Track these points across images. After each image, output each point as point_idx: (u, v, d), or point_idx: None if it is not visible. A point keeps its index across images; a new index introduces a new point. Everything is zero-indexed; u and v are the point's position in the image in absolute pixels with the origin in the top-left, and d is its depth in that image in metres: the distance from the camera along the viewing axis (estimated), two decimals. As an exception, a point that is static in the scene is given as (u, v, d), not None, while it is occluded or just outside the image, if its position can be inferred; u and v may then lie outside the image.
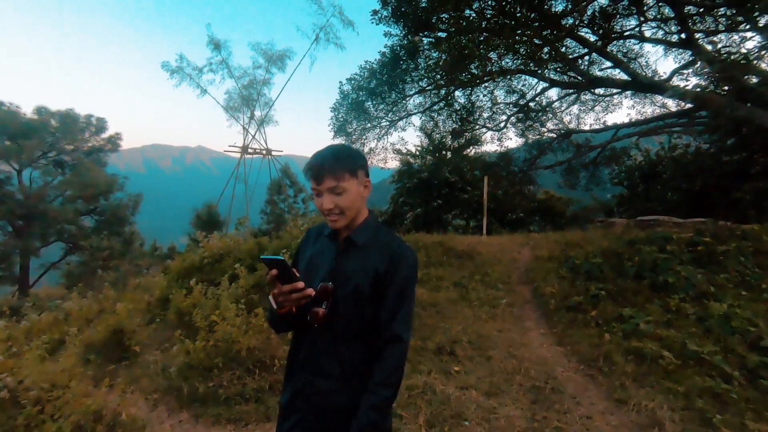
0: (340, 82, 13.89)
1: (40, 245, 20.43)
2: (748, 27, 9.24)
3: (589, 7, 10.04)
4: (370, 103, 13.84)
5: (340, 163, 1.24)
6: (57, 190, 21.29)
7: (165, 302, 5.98)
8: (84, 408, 2.89)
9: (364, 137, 14.82)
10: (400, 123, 14.72)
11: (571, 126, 14.57)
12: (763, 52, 9.29)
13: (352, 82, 13.56)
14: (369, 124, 14.52)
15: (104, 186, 21.92)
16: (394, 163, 16.24)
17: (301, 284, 1.12)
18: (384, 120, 14.52)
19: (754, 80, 9.14)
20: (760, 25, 8.75)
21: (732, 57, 8.37)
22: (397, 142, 16.40)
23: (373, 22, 11.69)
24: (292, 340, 1.40)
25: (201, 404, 3.47)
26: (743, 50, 9.20)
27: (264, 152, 30.59)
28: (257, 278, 5.85)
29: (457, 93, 13.51)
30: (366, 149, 15.07)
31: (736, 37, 9.95)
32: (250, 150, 30.07)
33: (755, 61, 9.20)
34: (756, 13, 8.40)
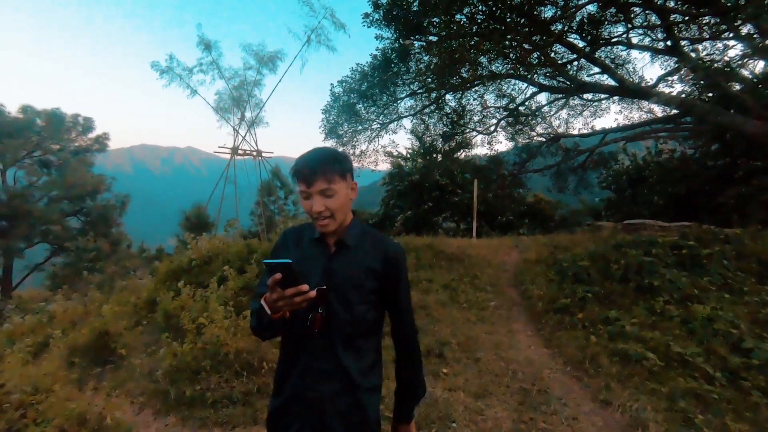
0: (332, 84, 13.93)
1: (24, 246, 20.05)
2: (731, 36, 9.46)
3: (577, 13, 10.20)
4: (361, 105, 13.89)
5: (330, 165, 1.23)
6: (42, 190, 20.93)
7: (152, 305, 5.91)
8: (68, 412, 2.85)
9: (355, 139, 14.86)
10: (391, 126, 14.80)
11: (560, 130, 14.74)
12: (745, 60, 9.50)
13: (344, 84, 13.59)
14: (360, 127, 14.56)
15: (91, 186, 21.61)
16: (385, 166, 16.30)
17: (306, 287, 1.08)
18: (375, 122, 14.58)
19: (737, 87, 9.36)
20: (742, 33, 8.97)
21: (715, 65, 8.55)
22: (388, 145, 16.51)
23: (364, 25, 11.74)
24: (284, 346, 1.36)
25: (188, 407, 3.43)
26: (726, 58, 9.41)
27: (254, 154, 30.40)
28: (246, 280, 5.82)
29: (447, 96, 13.63)
30: (357, 151, 15.10)
31: (719, 45, 10.17)
32: (240, 151, 29.83)
33: (737, 69, 9.41)
34: (738, 23, 8.61)
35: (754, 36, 8.84)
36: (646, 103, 12.62)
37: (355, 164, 15.33)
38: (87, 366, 4.54)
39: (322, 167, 1.22)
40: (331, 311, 1.25)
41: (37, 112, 21.30)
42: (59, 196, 20.76)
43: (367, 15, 11.48)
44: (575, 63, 12.00)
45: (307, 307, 1.17)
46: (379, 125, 14.69)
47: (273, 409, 1.33)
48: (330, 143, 14.79)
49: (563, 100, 14.06)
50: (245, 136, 29.96)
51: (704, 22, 9.88)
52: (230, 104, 28.91)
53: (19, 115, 20.63)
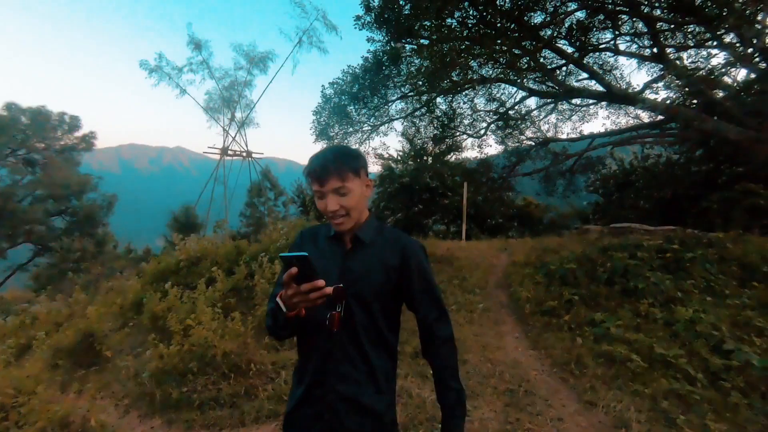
0: (323, 86, 13.93)
1: (7, 246, 19.66)
2: (715, 44, 9.68)
3: (566, 19, 10.36)
4: (352, 107, 13.91)
5: (343, 162, 1.22)
6: (26, 189, 20.56)
7: (139, 306, 5.84)
8: (50, 414, 2.81)
9: (346, 141, 14.86)
10: (382, 128, 14.87)
11: (549, 134, 14.93)
12: (728, 68, 9.73)
13: (335, 86, 13.60)
14: (351, 129, 14.59)
15: (76, 186, 21.29)
16: (375, 168, 16.31)
17: (322, 282, 1.04)
18: (366, 125, 14.62)
19: (721, 94, 9.57)
20: (726, 42, 9.18)
21: (699, 72, 8.74)
22: (379, 147, 16.53)
23: (356, 28, 11.78)
24: (301, 346, 1.33)
25: (174, 410, 3.41)
26: (710, 66, 9.62)
27: (244, 154, 30.27)
28: (235, 282, 5.78)
29: (438, 99, 13.73)
30: (347, 153, 15.10)
31: (704, 52, 10.39)
32: (230, 152, 29.71)
33: (721, 77, 9.63)
34: (721, 31, 8.81)
35: (737, 45, 9.07)
36: (633, 108, 12.84)
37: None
38: (71, 368, 4.48)
39: (335, 165, 1.21)
40: (349, 310, 1.22)
41: (21, 110, 20.94)
42: (44, 195, 20.42)
43: (358, 17, 11.51)
44: (564, 68, 12.19)
45: (325, 305, 1.14)
46: (370, 127, 14.73)
47: (290, 410, 1.30)
48: (321, 145, 14.79)
49: (552, 105, 14.25)
50: (235, 136, 29.84)
51: (689, 30, 10.09)
52: (220, 104, 28.80)
53: (3, 113, 20.27)
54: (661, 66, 10.46)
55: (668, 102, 9.48)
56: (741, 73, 10.26)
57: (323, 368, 1.24)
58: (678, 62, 9.70)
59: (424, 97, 13.16)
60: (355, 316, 1.23)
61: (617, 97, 11.26)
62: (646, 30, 10.27)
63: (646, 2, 9.47)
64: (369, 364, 1.25)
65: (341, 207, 1.22)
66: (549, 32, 10.48)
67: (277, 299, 1.14)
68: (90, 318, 4.92)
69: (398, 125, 15.46)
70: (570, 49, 11.16)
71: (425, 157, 15.50)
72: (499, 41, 9.86)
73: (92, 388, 3.82)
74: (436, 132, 14.56)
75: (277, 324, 1.21)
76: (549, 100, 13.70)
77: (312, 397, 1.25)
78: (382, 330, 1.28)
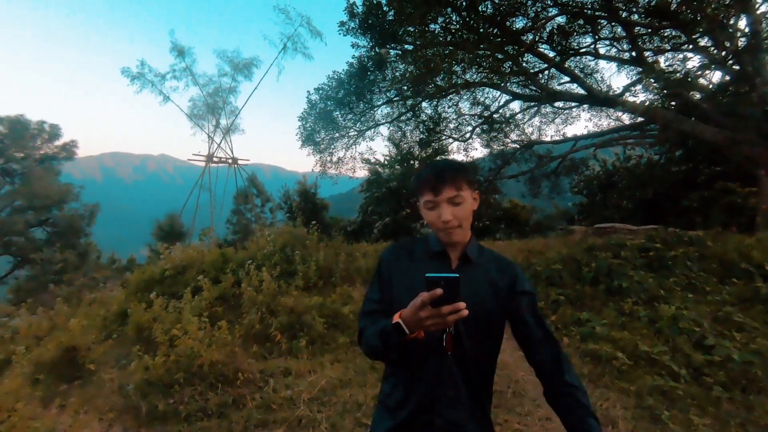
0: (308, 91, 13.94)
1: (-15, 259, 19.15)
2: (690, 47, 9.95)
3: (547, 24, 10.56)
4: (338, 112, 13.95)
5: (459, 172, 1.20)
6: (5, 200, 20.02)
7: (123, 317, 5.73)
8: (32, 431, 2.74)
9: (332, 147, 14.89)
10: (368, 133, 14.94)
11: (533, 137, 15.15)
12: (703, 71, 10.01)
13: (320, 92, 13.62)
14: (337, 134, 14.62)
15: (57, 196, 20.81)
16: (362, 173, 16.34)
17: (463, 304, 0.98)
18: (352, 130, 14.67)
19: (698, 96, 9.84)
20: (701, 45, 9.45)
21: (676, 74, 8.97)
22: (366, 152, 16.55)
23: (340, 33, 11.83)
24: (400, 371, 1.26)
25: (161, 422, 3.34)
26: (686, 68, 9.89)
27: (230, 161, 30.02)
28: (221, 290, 5.72)
29: (423, 104, 13.85)
30: (334, 158, 15.14)
31: (680, 56, 10.69)
32: (215, 159, 29.44)
33: (697, 79, 9.89)
34: (696, 35, 9.07)
35: (711, 48, 9.34)
36: (614, 110, 13.11)
37: (332, 171, 15.38)
38: (53, 383, 4.36)
39: (450, 174, 1.18)
40: (457, 331, 1.17)
41: (-1, 119, 20.47)
42: (23, 205, 19.91)
43: (343, 23, 11.58)
44: (546, 72, 12.39)
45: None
46: (356, 132, 14.78)
47: None
48: (307, 150, 14.77)
49: (535, 108, 14.48)
50: (220, 143, 29.58)
51: (666, 34, 10.37)
52: (205, 111, 28.55)
53: (-20, 123, 19.78)
54: (640, 69, 10.72)
55: (647, 104, 9.70)
56: (716, 76, 10.57)
57: (433, 392, 1.19)
58: (655, 65, 9.94)
59: (410, 102, 13.26)
60: (464, 338, 1.18)
61: (598, 99, 11.49)
62: (624, 34, 10.52)
63: (624, 7, 9.71)
64: (478, 387, 1.22)
65: (455, 218, 1.19)
66: (531, 37, 10.66)
67: (399, 320, 1.06)
68: (72, 331, 4.80)
69: (384, 130, 15.52)
70: (551, 53, 11.37)
71: (412, 161, 15.57)
72: (482, 46, 10.00)
73: (75, 403, 3.72)
74: (422, 136, 14.66)
75: (388, 346, 1.12)
76: (532, 104, 13.92)
77: (417, 422, 1.20)
78: (487, 353, 1.25)
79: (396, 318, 1.06)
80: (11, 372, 4.37)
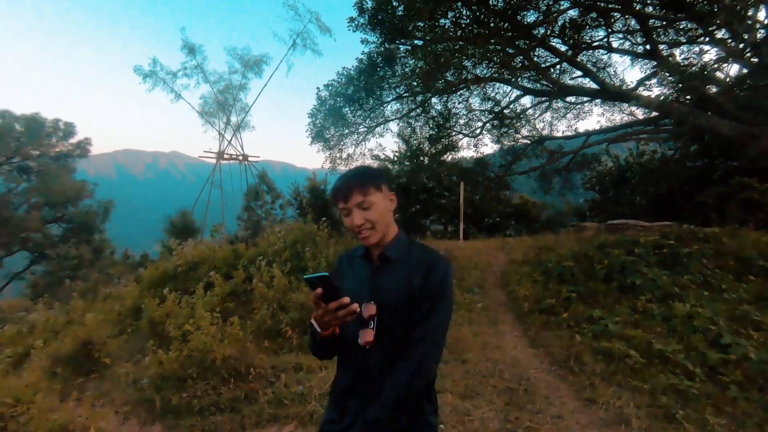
0: (318, 88, 13.92)
1: (3, 254, 19.53)
2: (707, 40, 9.73)
3: (559, 18, 10.39)
4: (347, 109, 13.91)
5: (364, 178, 1.28)
6: (21, 197, 20.45)
7: (137, 312, 5.83)
8: (50, 423, 2.80)
9: (342, 143, 14.87)
10: (378, 129, 14.86)
11: (545, 132, 14.95)
12: (720, 64, 9.78)
13: (330, 88, 13.60)
14: (347, 130, 14.59)
15: (72, 193, 21.17)
16: (372, 169, 16.30)
17: (347, 299, 1.09)
18: (362, 126, 14.61)
19: (714, 90, 9.62)
20: (717, 38, 9.23)
21: (692, 68, 8.78)
22: (375, 148, 16.49)
23: (350, 29, 11.79)
24: (339, 365, 1.37)
25: (174, 416, 3.40)
26: (702, 61, 9.67)
27: (240, 158, 30.22)
28: (233, 286, 5.78)
29: (433, 100, 13.73)
30: (344, 155, 15.11)
31: (696, 49, 10.45)
32: (226, 156, 29.65)
33: (713, 72, 9.68)
34: (713, 27, 8.86)
35: (729, 40, 9.12)
36: (627, 105, 12.89)
37: (341, 168, 15.36)
38: (70, 376, 4.46)
39: (356, 181, 1.27)
40: (382, 327, 1.23)
41: (15, 117, 20.82)
42: (39, 202, 20.29)
43: (352, 19, 11.52)
44: (558, 66, 12.22)
45: (357, 323, 1.20)
46: (365, 129, 14.73)
47: (323, 426, 1.34)
48: (316, 147, 14.79)
49: (547, 103, 14.28)
50: (231, 140, 29.78)
51: (681, 26, 10.14)
52: (215, 108, 28.75)
53: (-3, 121, 20.16)
54: (654, 63, 10.51)
55: (662, 98, 9.50)
56: (733, 69, 10.32)
57: (357, 386, 1.27)
58: (671, 59, 9.73)
59: (419, 98, 13.17)
60: (387, 333, 1.23)
61: (611, 94, 11.30)
62: (638, 27, 10.32)
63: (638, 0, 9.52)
64: None
65: (366, 221, 1.26)
66: (542, 31, 10.51)
67: (312, 320, 1.22)
68: (88, 325, 4.90)
69: (394, 126, 15.47)
70: (563, 48, 11.20)
71: (421, 158, 15.50)
72: (492, 41, 9.89)
73: (91, 396, 3.81)
74: (431, 132, 14.57)
75: (316, 344, 1.29)
76: (543, 99, 13.74)
77: (345, 414, 1.28)
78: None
79: (312, 319, 1.22)
80: (30, 365, 4.48)
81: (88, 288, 12.81)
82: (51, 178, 20.42)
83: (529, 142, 14.58)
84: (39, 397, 2.99)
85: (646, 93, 10.53)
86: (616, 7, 9.80)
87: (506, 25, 10.01)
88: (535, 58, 11.44)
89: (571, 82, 12.50)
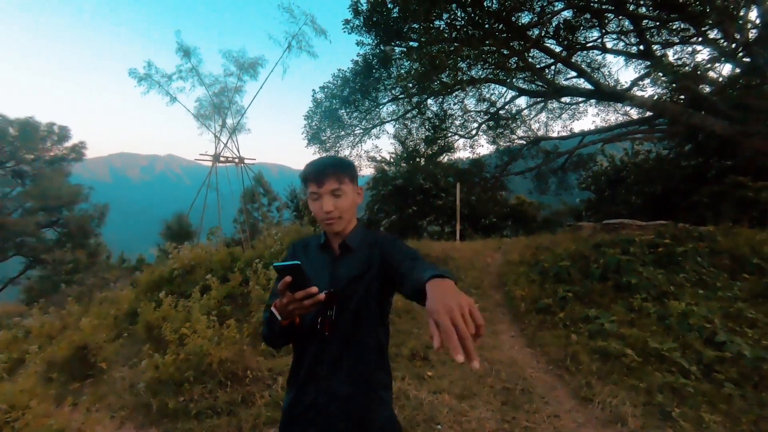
0: (313, 90, 13.93)
1: (-3, 259, 19.43)
2: (699, 40, 9.80)
3: (553, 19, 10.45)
4: (343, 111, 13.92)
5: (341, 167, 1.30)
6: (16, 201, 20.33)
7: (133, 316, 5.81)
8: (45, 429, 2.79)
9: (338, 145, 14.87)
10: (374, 131, 14.87)
11: (540, 133, 15.02)
12: (713, 63, 9.86)
13: (325, 90, 13.61)
14: (343, 132, 14.60)
15: (67, 197, 21.08)
16: (368, 171, 16.33)
17: (315, 289, 1.08)
18: (358, 128, 14.63)
19: (707, 89, 9.69)
20: (710, 38, 9.31)
21: (685, 68, 8.85)
22: (372, 150, 16.58)
23: (345, 31, 11.80)
24: (295, 353, 1.37)
25: (171, 420, 3.38)
26: (696, 61, 9.75)
27: (236, 160, 30.15)
28: (230, 289, 5.76)
29: (429, 101, 13.77)
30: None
31: (689, 49, 10.53)
32: (222, 158, 29.52)
33: (706, 72, 9.75)
34: (706, 28, 8.93)
35: (721, 40, 9.19)
36: (622, 105, 12.96)
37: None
38: (65, 381, 4.44)
39: (333, 168, 1.28)
40: (340, 314, 1.25)
41: (9, 121, 20.70)
42: (34, 207, 20.18)
43: (347, 21, 11.54)
44: (552, 67, 12.29)
45: (317, 311, 1.21)
46: (361, 130, 14.75)
47: (285, 415, 1.34)
48: (313, 149, 14.79)
49: (542, 104, 14.35)
50: (227, 143, 29.68)
51: (674, 27, 10.23)
52: (211, 111, 28.60)
53: (-10, 125, 20.05)
54: (648, 63, 10.58)
55: (656, 98, 9.57)
56: (726, 68, 10.40)
57: (315, 372, 1.28)
58: (664, 59, 9.80)
59: (415, 99, 13.19)
60: (345, 320, 1.26)
61: (606, 94, 11.36)
62: (632, 28, 10.39)
63: (631, 0, 9.58)
64: (360, 367, 1.27)
65: (336, 209, 1.27)
66: (536, 32, 10.58)
67: (272, 309, 1.19)
68: (84, 330, 4.87)
69: (390, 128, 15.49)
70: (558, 48, 11.27)
71: (418, 159, 15.54)
72: (487, 42, 9.92)
73: (87, 401, 3.78)
74: (427, 133, 14.61)
75: (273, 333, 1.26)
76: (539, 99, 13.80)
77: (303, 401, 1.28)
78: (370, 327, 1.30)
79: (272, 307, 1.20)
80: (25, 370, 4.45)
81: (84, 292, 12.72)
82: (46, 182, 20.31)
83: (524, 142, 14.64)
84: (34, 403, 2.97)
85: (640, 93, 10.62)
86: (610, 8, 9.87)
87: (501, 26, 10.05)
88: (530, 59, 11.51)
89: (565, 83, 12.58)
